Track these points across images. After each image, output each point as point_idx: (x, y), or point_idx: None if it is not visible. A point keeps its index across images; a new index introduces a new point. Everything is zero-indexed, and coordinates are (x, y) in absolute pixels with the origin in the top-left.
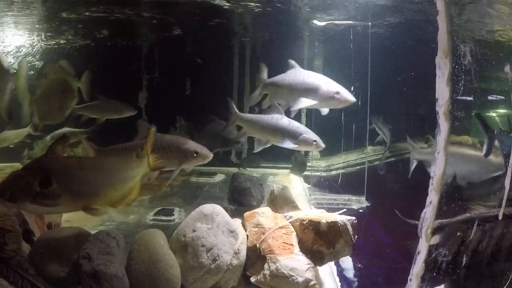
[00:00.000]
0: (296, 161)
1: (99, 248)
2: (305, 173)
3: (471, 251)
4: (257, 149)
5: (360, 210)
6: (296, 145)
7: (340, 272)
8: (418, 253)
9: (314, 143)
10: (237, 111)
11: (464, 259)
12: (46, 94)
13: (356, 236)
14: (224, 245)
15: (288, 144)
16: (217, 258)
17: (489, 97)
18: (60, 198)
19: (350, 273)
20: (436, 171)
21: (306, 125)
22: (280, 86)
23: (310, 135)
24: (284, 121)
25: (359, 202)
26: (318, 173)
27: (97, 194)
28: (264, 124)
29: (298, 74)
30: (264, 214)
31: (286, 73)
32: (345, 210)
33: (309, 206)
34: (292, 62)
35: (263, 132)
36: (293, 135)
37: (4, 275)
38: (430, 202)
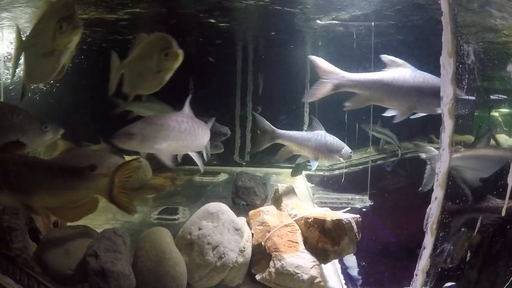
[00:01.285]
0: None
1: (106, 246)
2: (308, 172)
3: (485, 248)
4: (314, 167)
5: (364, 209)
6: (340, 158)
7: (344, 269)
8: (424, 248)
9: (350, 154)
10: (275, 128)
11: (477, 256)
12: (139, 56)
13: (361, 234)
14: (230, 243)
15: (333, 158)
16: (223, 256)
17: (492, 97)
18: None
19: (354, 271)
20: (441, 168)
21: (310, 123)
22: (394, 87)
23: (348, 148)
24: (329, 137)
25: (362, 201)
26: (321, 172)
27: (32, 193)
28: (316, 142)
29: (422, 76)
30: (269, 213)
31: (394, 72)
32: (349, 208)
33: (312, 205)
34: (396, 59)
35: (314, 150)
36: (338, 150)
37: (10, 273)
38: (436, 198)
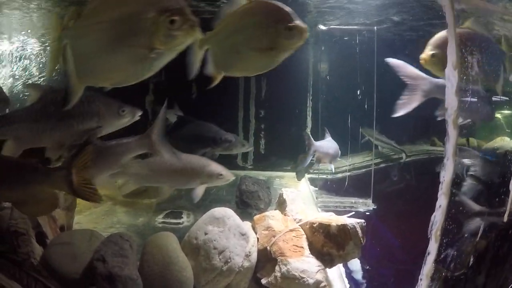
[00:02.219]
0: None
1: (113, 251)
2: (311, 175)
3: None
4: (333, 170)
5: (367, 213)
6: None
7: (349, 274)
8: (428, 254)
9: None
10: (315, 142)
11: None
12: (237, 27)
13: (365, 238)
14: (236, 248)
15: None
16: (229, 260)
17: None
18: None
19: (358, 275)
20: (446, 177)
21: (312, 127)
22: None
23: None
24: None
25: (366, 205)
26: (324, 176)
27: None
28: (334, 149)
29: None
30: (274, 217)
31: None
32: (353, 213)
33: (316, 209)
34: None
35: (333, 157)
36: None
37: (17, 278)
38: (440, 206)
